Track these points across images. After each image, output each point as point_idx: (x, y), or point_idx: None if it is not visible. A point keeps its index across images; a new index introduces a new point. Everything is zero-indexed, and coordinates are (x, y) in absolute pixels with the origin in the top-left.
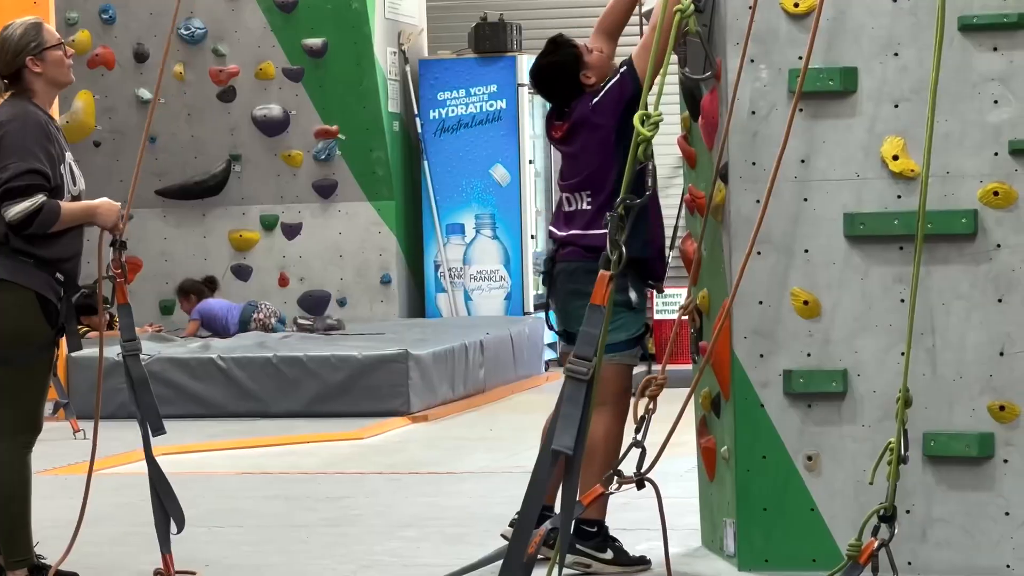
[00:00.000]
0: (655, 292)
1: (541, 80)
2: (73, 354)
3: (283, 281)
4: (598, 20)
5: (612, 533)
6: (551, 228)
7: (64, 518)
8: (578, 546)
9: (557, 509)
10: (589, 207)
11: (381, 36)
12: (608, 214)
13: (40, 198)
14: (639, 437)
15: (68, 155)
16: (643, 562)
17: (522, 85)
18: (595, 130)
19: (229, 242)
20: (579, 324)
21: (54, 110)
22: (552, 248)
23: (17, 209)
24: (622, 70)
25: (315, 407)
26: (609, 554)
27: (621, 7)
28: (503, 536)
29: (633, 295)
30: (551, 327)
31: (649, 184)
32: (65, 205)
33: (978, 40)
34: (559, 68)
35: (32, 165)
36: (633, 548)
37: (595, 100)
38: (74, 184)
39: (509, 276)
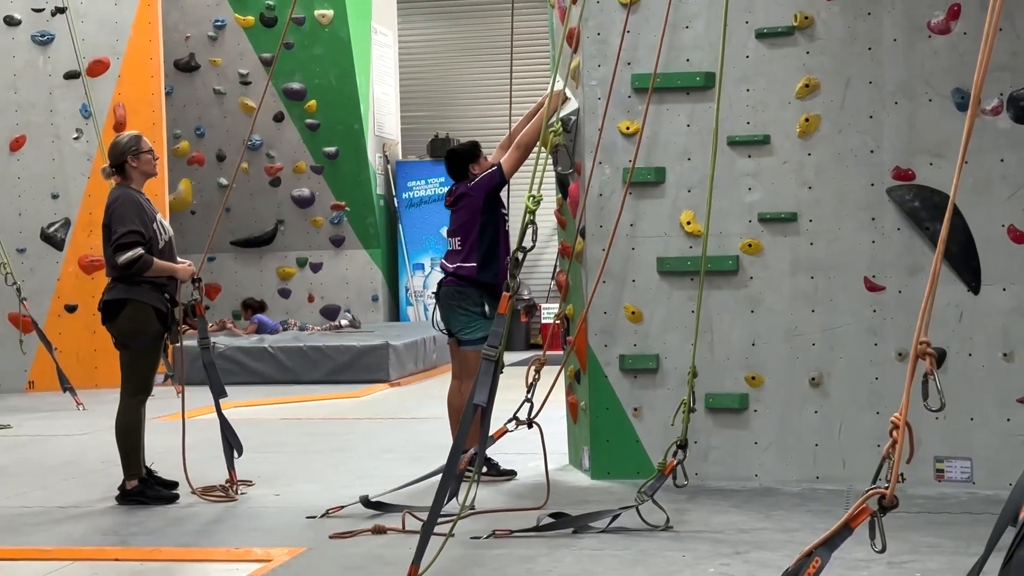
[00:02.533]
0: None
1: (450, 163)
2: (176, 345)
3: (310, 299)
4: (508, 136)
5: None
6: (443, 262)
7: (168, 446)
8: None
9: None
10: (460, 248)
11: (372, 146)
12: (507, 258)
13: (139, 250)
14: (530, 396)
15: (158, 216)
16: (509, 473)
17: None
18: (470, 199)
19: (276, 274)
20: (458, 325)
21: (164, 192)
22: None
23: (124, 256)
24: (493, 168)
25: (330, 377)
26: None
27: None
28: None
29: (487, 308)
30: (436, 327)
31: (532, 238)
32: (158, 262)
33: (739, 150)
34: (461, 157)
35: (132, 227)
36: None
37: (473, 182)
38: (164, 234)
39: None
